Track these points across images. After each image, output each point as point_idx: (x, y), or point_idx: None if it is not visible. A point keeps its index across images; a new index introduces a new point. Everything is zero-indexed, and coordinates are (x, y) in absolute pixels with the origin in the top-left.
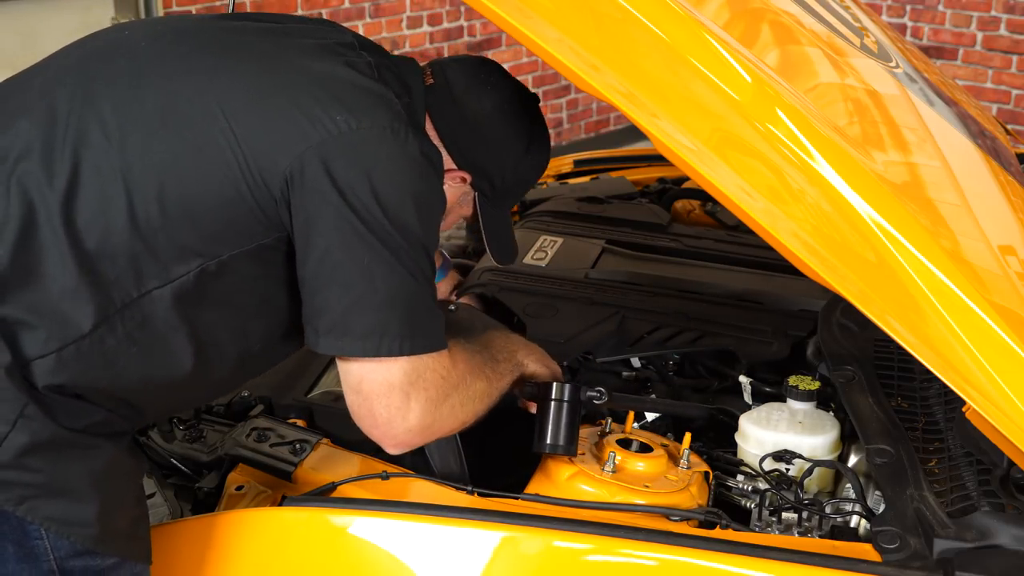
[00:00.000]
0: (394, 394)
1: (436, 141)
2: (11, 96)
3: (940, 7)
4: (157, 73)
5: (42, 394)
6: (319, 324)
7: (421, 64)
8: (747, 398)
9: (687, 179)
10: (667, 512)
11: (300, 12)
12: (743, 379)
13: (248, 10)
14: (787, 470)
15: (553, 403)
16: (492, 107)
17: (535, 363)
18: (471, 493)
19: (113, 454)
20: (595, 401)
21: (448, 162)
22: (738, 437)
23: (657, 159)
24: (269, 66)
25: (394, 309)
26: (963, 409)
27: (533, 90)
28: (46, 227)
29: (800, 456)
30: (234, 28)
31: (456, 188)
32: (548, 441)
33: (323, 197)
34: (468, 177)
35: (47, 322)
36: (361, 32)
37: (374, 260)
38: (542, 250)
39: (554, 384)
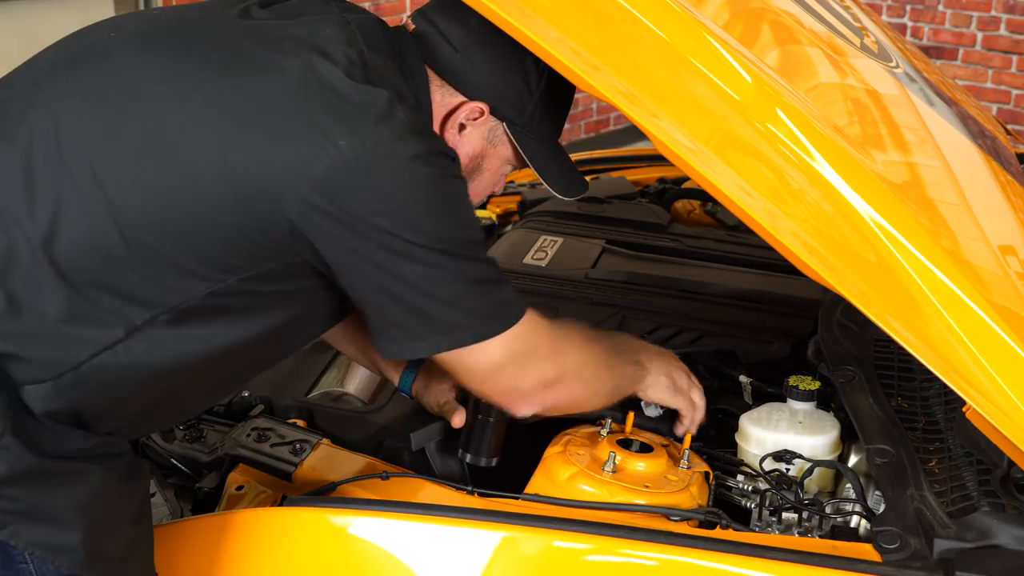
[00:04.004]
0: (507, 368)
1: (439, 82)
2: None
3: (940, 7)
4: (143, 92)
5: (28, 422)
6: (392, 334)
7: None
8: (747, 398)
9: (687, 179)
10: (667, 512)
11: None
12: (743, 379)
13: None
14: (787, 470)
15: (479, 419)
16: (478, 23)
17: (659, 367)
18: (471, 493)
19: (102, 479)
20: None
21: (457, 96)
22: (738, 437)
23: (657, 159)
24: (264, 85)
25: (463, 305)
26: (963, 409)
27: None
28: (31, 262)
29: (800, 456)
30: (228, 31)
31: (479, 126)
32: (470, 453)
33: (347, 231)
34: (485, 108)
35: (44, 352)
36: None
37: (421, 275)
38: (542, 250)
39: (480, 403)
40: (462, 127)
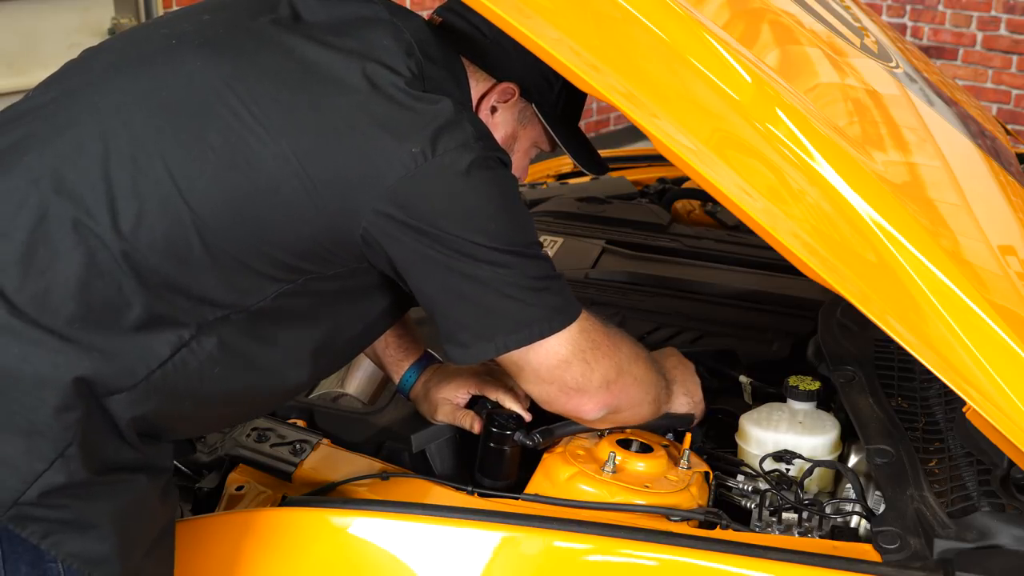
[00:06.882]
0: (574, 363)
1: (472, 69)
2: (58, 112)
3: (940, 7)
4: (218, 106)
5: (96, 434)
6: (462, 338)
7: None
8: (747, 398)
9: (687, 179)
10: (667, 512)
11: None
12: (743, 379)
13: None
14: (787, 470)
15: (492, 445)
16: None
17: (683, 379)
18: (471, 493)
19: (146, 490)
20: (529, 445)
21: (489, 80)
22: (738, 437)
23: (657, 159)
24: (337, 100)
25: (529, 301)
26: (963, 409)
27: None
28: (114, 272)
29: (800, 456)
30: (289, 40)
31: (510, 107)
32: (489, 478)
33: (419, 238)
34: (515, 89)
35: (127, 358)
36: None
37: (488, 275)
38: None
39: (494, 431)
40: (494, 109)
